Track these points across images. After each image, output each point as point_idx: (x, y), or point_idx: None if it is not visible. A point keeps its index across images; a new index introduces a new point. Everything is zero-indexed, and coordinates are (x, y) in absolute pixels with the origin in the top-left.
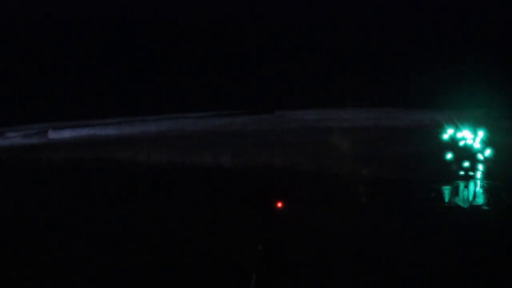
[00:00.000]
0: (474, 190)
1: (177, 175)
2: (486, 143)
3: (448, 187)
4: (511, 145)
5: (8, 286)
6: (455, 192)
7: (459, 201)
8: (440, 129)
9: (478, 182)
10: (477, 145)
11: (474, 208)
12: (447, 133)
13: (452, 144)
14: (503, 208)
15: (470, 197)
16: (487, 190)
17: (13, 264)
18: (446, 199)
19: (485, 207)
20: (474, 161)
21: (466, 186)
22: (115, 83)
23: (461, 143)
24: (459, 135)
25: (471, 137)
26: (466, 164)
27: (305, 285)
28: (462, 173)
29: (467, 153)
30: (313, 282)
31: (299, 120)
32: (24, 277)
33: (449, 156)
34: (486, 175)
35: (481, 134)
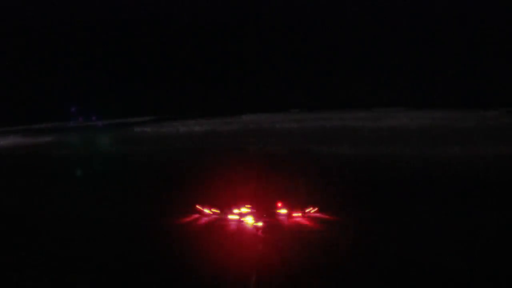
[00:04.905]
0: None
1: (176, 175)
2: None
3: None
4: None
5: (8, 286)
6: None
7: None
8: None
9: None
10: None
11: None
12: None
13: None
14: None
15: None
16: None
17: (13, 264)
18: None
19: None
20: None
21: None
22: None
23: None
24: None
25: None
26: None
27: (305, 285)
28: None
29: None
30: (313, 282)
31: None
32: (24, 277)
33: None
34: None
35: None
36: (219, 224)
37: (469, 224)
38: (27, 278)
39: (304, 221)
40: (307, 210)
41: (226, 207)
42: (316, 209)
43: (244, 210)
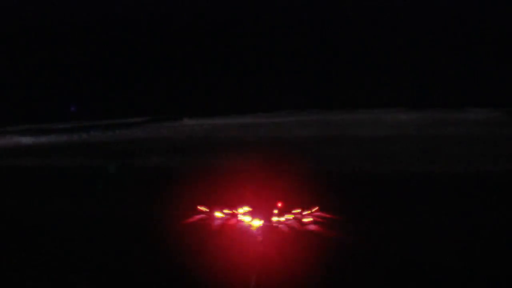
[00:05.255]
0: None
1: (177, 175)
2: None
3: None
4: None
5: (8, 286)
6: None
7: None
8: None
9: None
10: None
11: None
12: None
13: None
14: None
15: None
16: None
17: (13, 264)
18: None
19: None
20: None
21: None
22: None
23: None
24: None
25: None
26: None
27: (305, 286)
28: None
29: None
30: (314, 282)
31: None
32: (24, 277)
33: None
34: None
35: None
36: (220, 224)
37: (469, 224)
38: (27, 278)
39: (304, 221)
40: (307, 210)
41: (227, 208)
42: (316, 209)
43: (244, 210)
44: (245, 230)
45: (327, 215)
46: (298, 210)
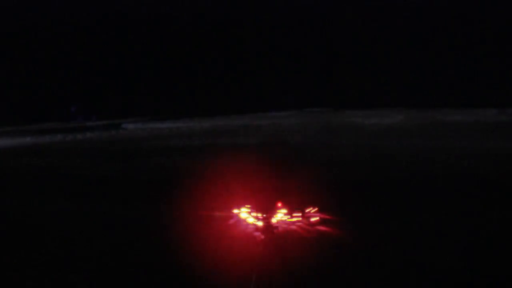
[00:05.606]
0: None
1: (176, 175)
2: None
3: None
4: None
5: (8, 286)
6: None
7: None
8: None
9: None
10: None
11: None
12: None
13: None
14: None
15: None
16: None
17: (13, 264)
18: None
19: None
20: None
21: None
22: None
23: None
24: None
25: None
26: None
27: (305, 286)
28: None
29: None
30: (314, 283)
31: None
32: (24, 277)
33: None
34: None
35: None
36: (220, 224)
37: (469, 224)
38: (27, 278)
39: (304, 222)
40: (307, 210)
41: (227, 208)
42: (316, 209)
43: (244, 210)
44: (245, 230)
45: (327, 215)
46: (299, 214)
